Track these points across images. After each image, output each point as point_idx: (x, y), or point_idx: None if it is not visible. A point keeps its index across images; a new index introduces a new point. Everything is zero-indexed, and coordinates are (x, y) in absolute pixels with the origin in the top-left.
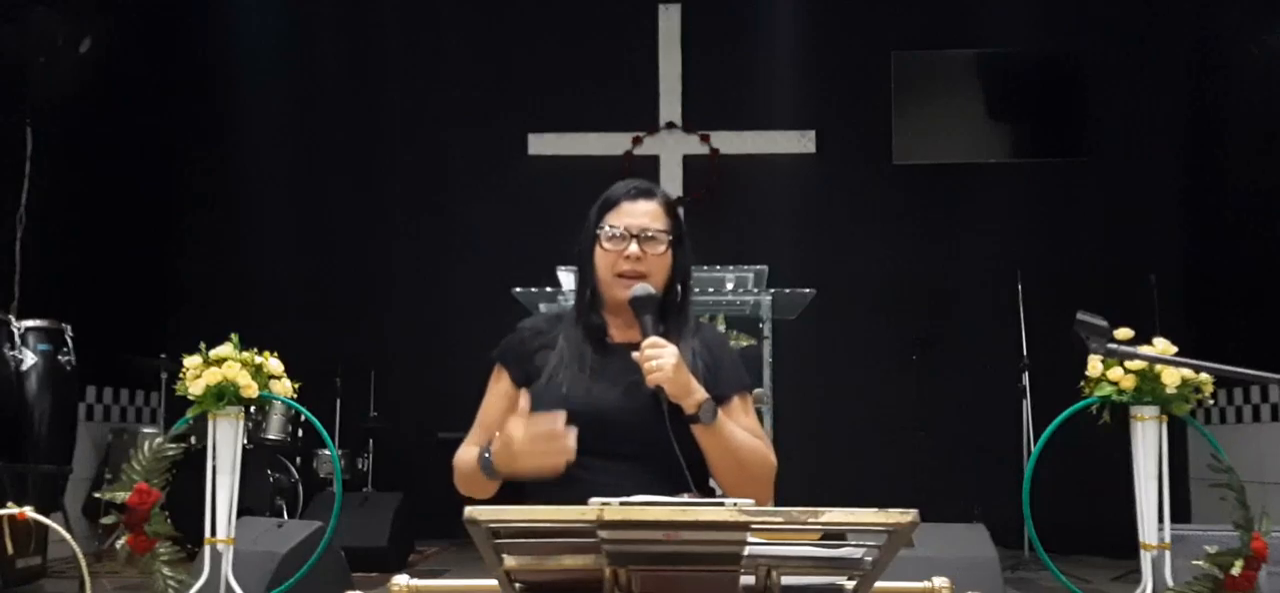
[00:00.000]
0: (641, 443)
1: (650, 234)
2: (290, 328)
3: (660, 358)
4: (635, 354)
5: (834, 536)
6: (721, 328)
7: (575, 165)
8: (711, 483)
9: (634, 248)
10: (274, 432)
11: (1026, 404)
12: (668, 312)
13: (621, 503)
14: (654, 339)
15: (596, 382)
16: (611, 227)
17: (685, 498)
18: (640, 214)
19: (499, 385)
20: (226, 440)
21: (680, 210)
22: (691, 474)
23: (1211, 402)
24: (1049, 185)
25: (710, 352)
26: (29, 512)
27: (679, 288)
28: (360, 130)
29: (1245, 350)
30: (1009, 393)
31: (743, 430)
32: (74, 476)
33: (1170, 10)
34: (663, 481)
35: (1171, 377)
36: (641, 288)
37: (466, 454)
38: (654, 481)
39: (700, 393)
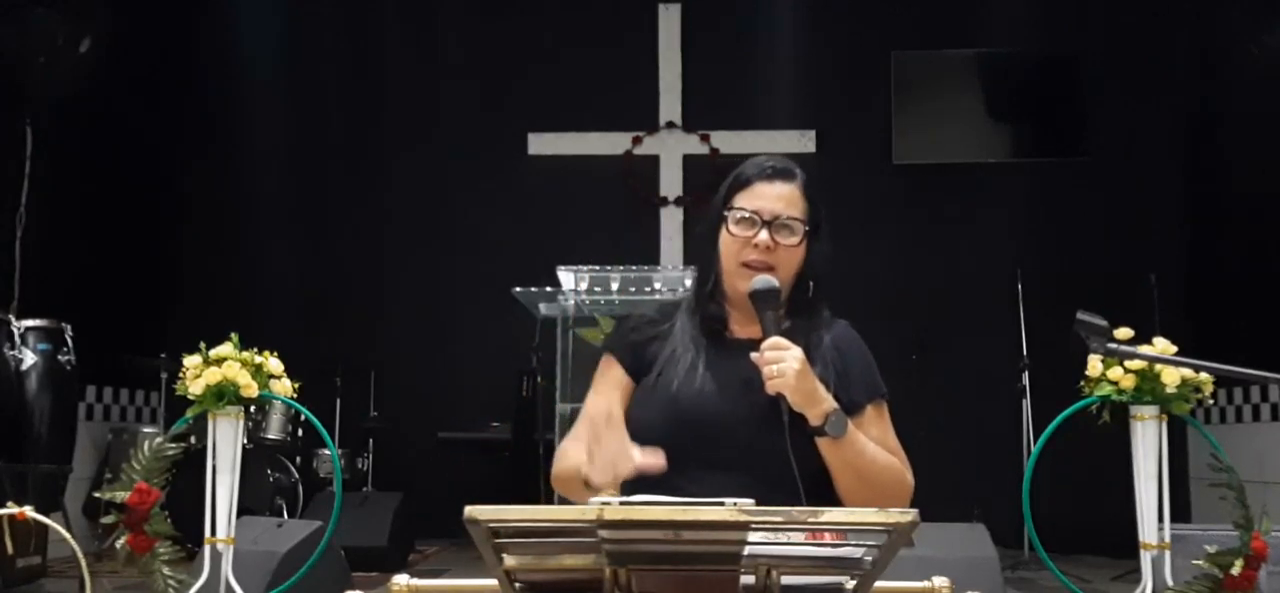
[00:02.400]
0: (755, 453)
1: (784, 221)
2: (290, 328)
3: (782, 362)
4: (754, 356)
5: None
6: None
7: (575, 165)
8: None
9: (764, 236)
10: (274, 432)
11: (1026, 404)
12: (796, 307)
13: (622, 503)
14: (776, 340)
15: (710, 382)
16: (741, 210)
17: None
18: (774, 198)
19: (609, 375)
20: (226, 440)
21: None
22: (811, 489)
23: (1211, 402)
24: (1049, 185)
25: (840, 354)
26: (29, 512)
27: (811, 283)
28: (360, 130)
29: (1245, 350)
30: (1009, 393)
31: (875, 445)
32: (74, 475)
33: (1170, 10)
34: (775, 495)
35: (1171, 377)
36: (763, 280)
37: (571, 460)
38: (766, 495)
39: (828, 402)
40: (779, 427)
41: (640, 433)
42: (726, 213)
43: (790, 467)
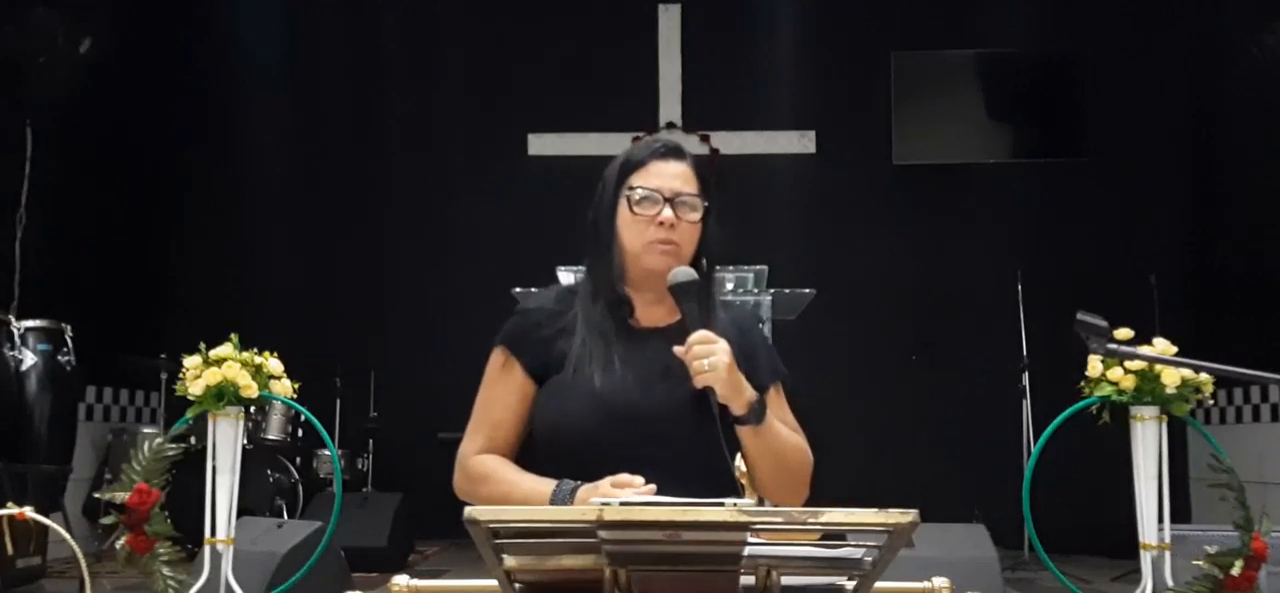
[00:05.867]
0: (686, 445)
1: (685, 199)
2: (290, 328)
3: (712, 356)
4: (678, 350)
5: (834, 536)
6: None
7: (575, 165)
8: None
9: (667, 212)
10: (274, 432)
11: (1026, 404)
12: (698, 292)
13: (622, 503)
14: (704, 334)
15: (630, 374)
16: (641, 188)
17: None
18: (672, 175)
19: (509, 377)
20: (226, 440)
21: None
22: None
23: (1211, 402)
24: (1049, 185)
25: (743, 336)
26: (29, 512)
27: (704, 262)
28: (360, 130)
29: (1245, 350)
30: (1009, 393)
31: (783, 427)
32: (74, 476)
33: (1170, 10)
34: (708, 486)
35: (1171, 377)
36: (683, 272)
37: (492, 471)
38: (699, 487)
39: (750, 392)
40: (711, 419)
41: (565, 428)
42: (626, 194)
43: (722, 456)
